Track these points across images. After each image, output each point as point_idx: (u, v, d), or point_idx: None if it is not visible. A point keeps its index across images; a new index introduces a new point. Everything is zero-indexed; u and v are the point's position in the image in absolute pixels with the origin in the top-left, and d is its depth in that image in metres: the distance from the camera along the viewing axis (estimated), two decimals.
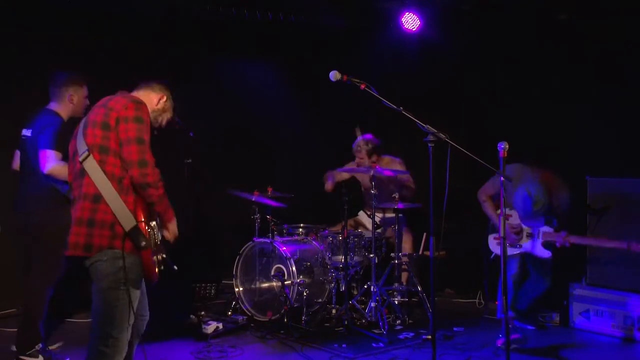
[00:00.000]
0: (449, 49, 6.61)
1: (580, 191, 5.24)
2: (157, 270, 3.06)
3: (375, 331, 5.03)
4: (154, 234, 3.09)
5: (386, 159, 6.05)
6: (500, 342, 4.58)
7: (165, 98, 3.34)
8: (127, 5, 5.76)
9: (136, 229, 2.90)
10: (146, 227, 2.96)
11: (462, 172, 3.89)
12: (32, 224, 4.45)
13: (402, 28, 6.19)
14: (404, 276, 5.91)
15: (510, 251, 5.03)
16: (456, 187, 3.56)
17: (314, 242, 5.70)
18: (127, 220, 2.90)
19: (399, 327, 5.25)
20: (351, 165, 6.04)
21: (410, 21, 6.13)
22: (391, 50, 6.88)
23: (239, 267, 5.63)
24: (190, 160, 5.36)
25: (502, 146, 3.52)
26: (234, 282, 5.63)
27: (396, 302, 5.58)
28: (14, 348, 4.43)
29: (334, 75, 3.32)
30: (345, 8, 6.36)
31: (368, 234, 5.65)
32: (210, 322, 5.08)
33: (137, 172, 2.91)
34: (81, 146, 3.00)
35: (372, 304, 5.25)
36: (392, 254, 5.68)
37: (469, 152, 3.37)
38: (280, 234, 5.83)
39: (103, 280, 2.94)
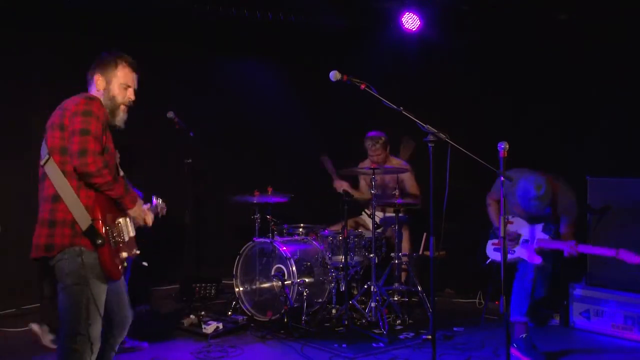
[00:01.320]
0: (449, 49, 6.60)
1: (581, 191, 5.23)
2: (119, 267, 3.03)
3: (376, 331, 5.02)
4: (120, 231, 3.08)
5: (395, 160, 6.06)
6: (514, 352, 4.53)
7: (98, 76, 3.21)
8: (127, 5, 5.75)
9: (91, 227, 2.91)
10: (105, 226, 2.95)
11: (463, 172, 3.88)
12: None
13: (402, 28, 6.19)
14: (404, 276, 5.91)
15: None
16: (456, 187, 3.55)
17: (314, 242, 5.69)
18: (83, 219, 2.91)
19: (399, 327, 5.24)
20: (365, 163, 6.09)
21: (410, 21, 6.13)
22: (391, 51, 6.88)
23: (239, 267, 5.62)
24: (190, 160, 5.36)
25: (502, 146, 3.50)
26: (234, 282, 5.62)
27: (396, 302, 5.58)
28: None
29: (334, 75, 3.32)
30: (345, 8, 6.35)
31: (368, 234, 5.64)
32: (210, 322, 5.08)
33: (77, 161, 2.89)
34: (43, 150, 3.03)
35: (372, 304, 5.24)
36: (392, 254, 5.67)
37: (469, 152, 3.36)
38: (281, 234, 5.83)
39: (66, 277, 2.95)
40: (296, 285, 5.22)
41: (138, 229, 3.30)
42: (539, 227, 4.75)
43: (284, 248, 5.37)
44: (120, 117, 3.24)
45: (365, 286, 5.43)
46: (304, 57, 7.21)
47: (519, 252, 4.79)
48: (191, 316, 5.34)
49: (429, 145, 3.34)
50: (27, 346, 4.79)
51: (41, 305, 4.99)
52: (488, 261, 5.08)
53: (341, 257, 5.42)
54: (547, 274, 4.75)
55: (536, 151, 5.80)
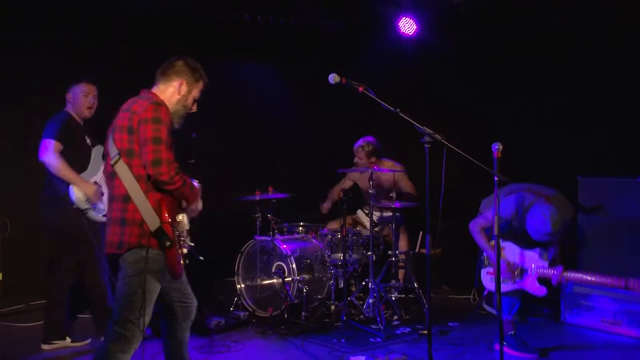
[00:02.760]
0: (444, 53, 6.60)
1: (572, 191, 5.23)
2: (182, 264, 3.11)
3: (373, 326, 5.02)
4: (182, 228, 3.14)
5: (388, 162, 6.04)
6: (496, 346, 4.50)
7: (184, 83, 3.26)
8: (129, 7, 5.74)
9: (160, 230, 2.96)
10: (171, 227, 3.00)
11: (458, 172, 3.87)
12: (44, 225, 4.61)
13: (400, 32, 6.19)
14: (401, 273, 5.91)
15: (505, 287, 4.44)
16: (452, 187, 3.55)
17: (313, 240, 5.69)
18: (152, 220, 2.97)
19: (396, 323, 5.24)
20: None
21: (407, 26, 6.14)
22: (389, 54, 6.88)
23: (240, 265, 5.63)
24: (193, 161, 5.36)
25: (497, 147, 3.50)
26: (235, 279, 5.63)
27: (393, 299, 5.58)
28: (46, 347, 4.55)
29: (333, 77, 3.31)
30: (344, 12, 6.36)
31: (366, 232, 5.64)
32: (213, 318, 5.08)
33: (152, 171, 2.95)
34: (112, 150, 3.07)
35: (370, 300, 5.25)
36: (389, 252, 5.67)
37: (465, 153, 3.36)
38: (281, 233, 5.83)
39: (128, 268, 3.02)
40: (296, 282, 5.22)
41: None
42: (534, 255, 4.43)
43: (284, 246, 5.37)
44: (180, 121, 3.29)
45: (363, 283, 5.43)
46: (304, 60, 7.20)
47: (520, 284, 4.45)
48: None
49: (425, 146, 3.35)
50: (36, 341, 4.79)
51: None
52: (487, 292, 4.82)
53: (340, 255, 5.43)
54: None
55: (529, 151, 5.81)
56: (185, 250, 3.16)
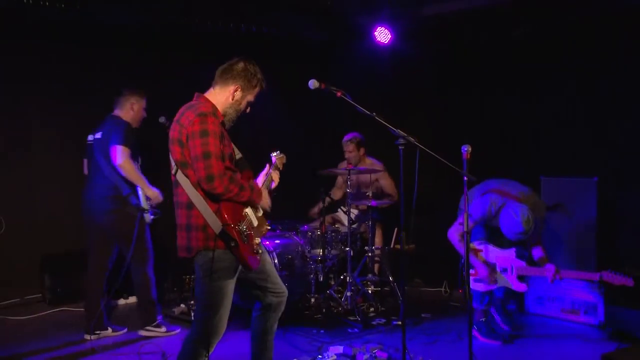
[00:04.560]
0: (417, 60, 6.65)
1: (535, 190, 5.30)
2: (255, 256, 3.10)
3: (351, 318, 5.04)
4: (249, 222, 3.11)
5: (368, 161, 6.10)
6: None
7: (238, 89, 3.19)
8: (126, 18, 5.70)
9: (223, 232, 2.94)
10: (235, 227, 2.97)
11: (430, 172, 3.91)
12: (98, 223, 4.65)
13: (375, 41, 6.22)
14: (377, 267, 5.94)
15: (488, 287, 4.51)
16: (425, 186, 3.58)
17: (294, 237, 5.69)
18: (214, 224, 2.96)
19: (372, 314, 5.27)
20: (343, 164, 6.14)
21: (383, 35, 6.16)
22: (366, 61, 6.90)
23: None
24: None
25: (466, 149, 3.53)
26: None
27: (370, 292, 5.60)
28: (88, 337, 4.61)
29: (313, 83, 3.31)
30: (323, 23, 6.38)
31: (344, 229, 5.67)
32: None
33: (206, 186, 2.92)
34: (171, 161, 3.08)
35: (348, 293, 5.27)
36: (365, 248, 5.70)
37: (436, 154, 3.39)
38: None
39: (199, 271, 3.03)
40: (280, 276, 5.20)
41: None
42: (511, 253, 4.44)
43: (267, 242, 5.36)
44: (231, 123, 3.25)
45: (342, 277, 5.45)
46: (286, 67, 7.20)
47: (501, 282, 4.48)
48: (181, 305, 5.32)
49: (400, 148, 3.37)
50: (30, 333, 4.75)
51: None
52: (474, 295, 4.63)
53: (319, 251, 5.44)
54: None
55: (496, 152, 5.88)
56: (257, 240, 3.14)
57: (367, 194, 5.56)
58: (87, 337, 4.61)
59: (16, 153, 5.83)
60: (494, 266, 4.51)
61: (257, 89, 3.28)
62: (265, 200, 3.29)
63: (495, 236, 4.55)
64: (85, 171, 4.86)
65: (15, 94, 5.81)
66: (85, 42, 6.01)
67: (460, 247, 4.42)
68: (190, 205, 3.00)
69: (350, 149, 6.00)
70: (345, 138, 6.06)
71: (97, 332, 4.64)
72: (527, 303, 5.32)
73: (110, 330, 4.74)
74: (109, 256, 4.74)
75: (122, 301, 5.80)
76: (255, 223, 3.18)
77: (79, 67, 6.08)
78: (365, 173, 5.86)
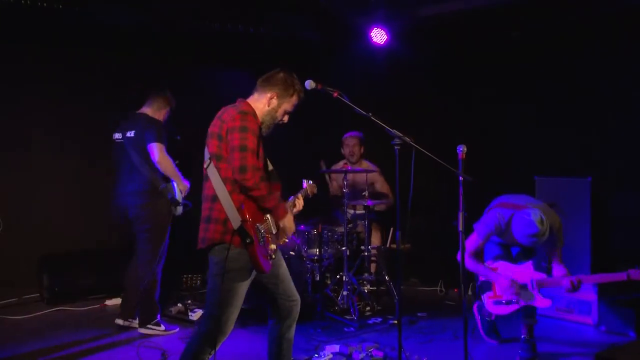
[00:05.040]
0: (413, 60, 6.64)
1: (530, 190, 5.30)
2: (268, 260, 3.10)
3: (347, 317, 5.03)
4: (269, 226, 3.12)
5: (364, 163, 6.10)
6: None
7: (275, 97, 3.24)
8: (125, 20, 5.67)
9: (241, 227, 2.97)
10: (253, 226, 2.99)
11: (427, 172, 3.89)
12: (131, 217, 4.70)
13: (371, 42, 6.21)
14: (373, 267, 5.92)
15: (510, 308, 4.18)
16: (420, 186, 3.56)
17: (291, 236, 5.67)
18: (234, 219, 2.99)
19: (368, 313, 5.26)
20: (338, 165, 6.13)
21: (379, 36, 6.15)
22: (362, 62, 6.89)
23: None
24: (178, 162, 5.32)
25: (461, 149, 3.51)
26: None
27: (366, 291, 5.59)
28: (120, 322, 4.75)
29: (309, 84, 3.29)
30: (321, 24, 6.37)
31: (340, 229, 5.65)
32: (196, 310, 5.05)
33: (238, 176, 2.96)
34: (205, 154, 3.12)
35: (344, 293, 5.25)
36: (362, 247, 5.68)
37: (432, 154, 3.37)
38: None
39: (213, 267, 3.06)
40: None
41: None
42: (528, 267, 4.15)
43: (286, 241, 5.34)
44: (268, 130, 3.28)
45: (338, 276, 5.44)
46: (283, 68, 7.18)
47: (525, 297, 4.11)
48: (178, 304, 5.30)
49: (396, 148, 3.35)
50: (28, 333, 4.72)
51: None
52: (494, 316, 4.45)
53: (316, 250, 5.42)
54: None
55: (492, 152, 5.87)
56: (273, 247, 3.15)
57: (364, 193, 5.54)
58: (142, 330, 4.69)
59: (15, 153, 5.80)
60: (513, 283, 4.12)
61: (294, 98, 3.31)
62: (290, 221, 3.26)
63: (509, 255, 4.32)
64: (115, 168, 4.87)
65: (14, 94, 5.79)
66: (84, 43, 5.98)
67: (473, 267, 4.22)
68: (215, 198, 3.05)
69: (353, 143, 6.04)
70: (349, 134, 6.10)
71: (151, 326, 4.67)
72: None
73: (163, 327, 4.73)
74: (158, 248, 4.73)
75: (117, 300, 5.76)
76: (274, 230, 3.20)
77: (77, 68, 6.07)
78: (362, 173, 5.84)
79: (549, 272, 4.18)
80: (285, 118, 3.34)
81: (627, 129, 5.28)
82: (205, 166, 3.12)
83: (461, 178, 3.48)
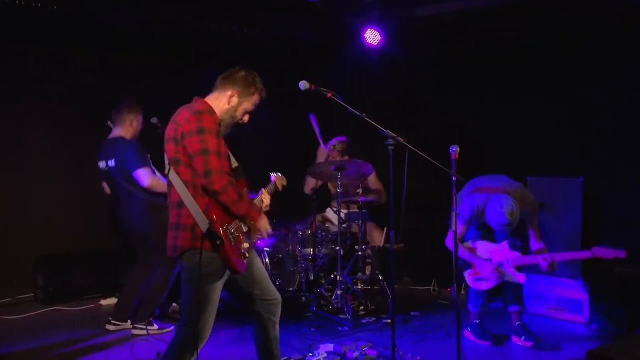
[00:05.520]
0: (406, 61, 6.63)
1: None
2: (242, 259, 3.02)
3: (341, 316, 5.02)
4: (236, 227, 3.02)
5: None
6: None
7: (235, 95, 3.14)
8: (124, 21, 5.65)
9: (209, 230, 2.87)
10: (222, 226, 2.91)
11: (421, 172, 3.89)
12: (137, 235, 4.70)
13: (365, 43, 6.20)
14: (368, 269, 5.91)
15: (487, 285, 4.42)
16: (414, 186, 3.56)
17: (285, 236, 5.66)
18: (202, 222, 2.89)
19: (362, 312, 5.25)
20: (323, 155, 6.06)
21: (372, 36, 6.15)
22: (358, 63, 6.88)
23: None
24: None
25: (454, 149, 3.52)
26: None
27: (359, 290, 5.58)
28: (110, 327, 4.72)
29: (303, 84, 3.28)
30: (315, 25, 6.37)
31: (334, 229, 5.64)
32: None
33: (204, 181, 2.89)
34: (165, 160, 3.04)
35: (338, 292, 5.24)
36: (355, 247, 5.67)
37: (425, 154, 3.37)
38: None
39: (185, 272, 2.99)
40: (269, 275, 5.18)
41: None
42: (504, 246, 4.38)
43: (258, 241, 5.32)
44: (227, 129, 3.18)
45: (332, 276, 5.42)
46: (277, 68, 7.17)
47: (501, 278, 4.37)
48: (174, 304, 5.28)
49: (389, 148, 3.35)
50: (22, 333, 4.69)
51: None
52: (471, 291, 4.58)
53: (310, 250, 5.41)
54: (521, 289, 4.54)
55: (484, 153, 5.86)
56: (246, 245, 3.06)
57: (357, 190, 5.53)
58: (134, 331, 4.68)
59: (10, 153, 5.77)
60: (491, 262, 4.38)
61: (254, 97, 3.21)
62: (264, 223, 3.19)
63: (489, 234, 4.51)
64: (107, 191, 4.88)
65: (14, 94, 5.76)
66: (84, 43, 5.95)
67: (460, 251, 4.34)
68: (180, 204, 2.96)
69: (333, 154, 5.91)
70: (336, 139, 5.97)
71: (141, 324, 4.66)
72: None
73: (156, 326, 4.72)
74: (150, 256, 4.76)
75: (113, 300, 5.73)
76: (245, 229, 3.11)
77: (75, 68, 6.04)
78: (353, 171, 5.81)
79: (523, 250, 4.38)
80: (246, 117, 3.23)
81: (618, 128, 5.29)
82: (166, 172, 3.04)
83: (454, 178, 3.49)
